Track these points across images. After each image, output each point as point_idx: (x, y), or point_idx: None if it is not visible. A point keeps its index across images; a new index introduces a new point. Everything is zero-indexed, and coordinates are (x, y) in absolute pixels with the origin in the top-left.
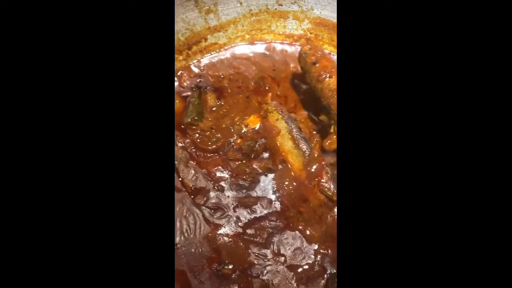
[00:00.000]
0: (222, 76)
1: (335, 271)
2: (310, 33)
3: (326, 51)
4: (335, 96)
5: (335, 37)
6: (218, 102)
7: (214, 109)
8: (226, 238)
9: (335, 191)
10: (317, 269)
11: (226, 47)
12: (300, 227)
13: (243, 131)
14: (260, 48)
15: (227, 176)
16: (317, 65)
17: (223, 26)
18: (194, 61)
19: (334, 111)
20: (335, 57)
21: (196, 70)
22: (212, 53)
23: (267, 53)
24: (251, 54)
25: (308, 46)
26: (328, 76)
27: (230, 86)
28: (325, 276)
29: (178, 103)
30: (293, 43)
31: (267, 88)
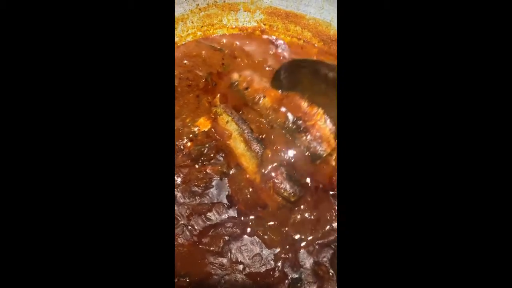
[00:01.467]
0: None
1: (296, 276)
2: (264, 24)
3: (257, 78)
4: (271, 113)
5: (289, 26)
6: None
7: None
8: (180, 249)
9: (291, 192)
10: (278, 275)
11: (177, 45)
12: (260, 232)
13: (192, 134)
14: (210, 43)
15: (178, 182)
16: (249, 89)
17: None
18: None
19: (277, 125)
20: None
21: None
22: None
23: (218, 47)
24: (203, 51)
25: (236, 74)
26: (262, 96)
27: (181, 85)
28: (286, 282)
29: None
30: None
31: (214, 85)
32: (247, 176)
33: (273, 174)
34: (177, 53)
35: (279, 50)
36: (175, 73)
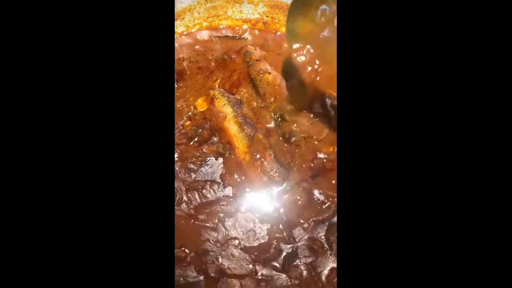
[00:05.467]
0: (182, 59)
1: (291, 251)
2: (266, 17)
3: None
4: (269, 88)
5: None
6: (177, 84)
7: None
8: (177, 220)
9: (277, 172)
10: (273, 250)
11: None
12: (254, 210)
13: (190, 113)
14: (225, 31)
15: (176, 159)
16: (259, 61)
17: (179, 14)
18: None
19: (269, 98)
20: None
21: None
22: None
23: (237, 36)
24: (214, 38)
25: (251, 47)
26: (268, 72)
27: (190, 68)
28: (282, 256)
29: None
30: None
31: (233, 57)
32: (238, 156)
33: (262, 155)
34: (189, 39)
35: None
36: (186, 56)
